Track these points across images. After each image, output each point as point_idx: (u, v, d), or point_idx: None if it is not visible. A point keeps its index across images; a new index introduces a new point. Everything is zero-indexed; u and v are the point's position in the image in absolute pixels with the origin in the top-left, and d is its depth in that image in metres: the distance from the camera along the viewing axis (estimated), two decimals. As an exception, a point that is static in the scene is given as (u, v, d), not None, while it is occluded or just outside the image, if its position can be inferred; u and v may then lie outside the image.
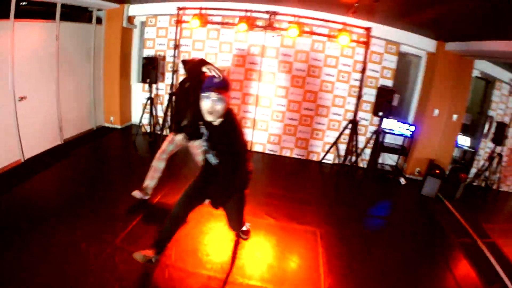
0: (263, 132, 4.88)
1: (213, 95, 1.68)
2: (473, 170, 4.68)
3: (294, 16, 4.10)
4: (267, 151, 4.94)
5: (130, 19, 5.06)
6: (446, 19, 3.39)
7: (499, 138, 4.29)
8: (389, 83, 4.49)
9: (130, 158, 4.46)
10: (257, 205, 3.16)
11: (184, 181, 2.23)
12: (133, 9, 4.90)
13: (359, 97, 4.40)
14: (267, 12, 4.22)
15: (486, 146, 4.58)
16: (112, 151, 4.63)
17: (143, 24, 5.22)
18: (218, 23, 4.53)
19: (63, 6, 3.95)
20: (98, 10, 4.71)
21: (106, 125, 5.28)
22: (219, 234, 2.71)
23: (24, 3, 3.86)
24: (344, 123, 4.59)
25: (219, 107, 1.69)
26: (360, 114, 4.58)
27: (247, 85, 4.73)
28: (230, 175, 1.84)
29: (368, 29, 4.17)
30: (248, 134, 4.82)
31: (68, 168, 3.74)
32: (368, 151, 4.62)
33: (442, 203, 4.03)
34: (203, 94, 1.69)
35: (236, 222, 2.28)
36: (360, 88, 4.37)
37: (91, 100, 4.91)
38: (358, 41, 4.27)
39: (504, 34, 3.30)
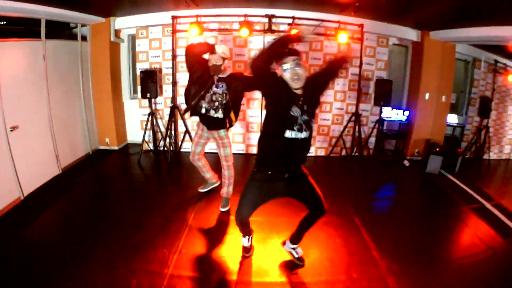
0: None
1: (290, 62, 1.65)
2: (463, 144, 5.20)
3: (292, 18, 4.22)
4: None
5: (117, 33, 4.87)
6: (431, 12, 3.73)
7: (484, 111, 4.78)
8: (383, 74, 4.81)
9: (138, 179, 4.20)
10: (285, 204, 2.83)
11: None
12: (119, 22, 4.72)
13: (358, 90, 4.66)
14: (266, 16, 4.30)
15: (473, 120, 5.08)
16: (117, 175, 4.33)
17: (131, 37, 5.05)
18: (215, 30, 4.52)
19: (47, 23, 3.63)
20: (83, 26, 4.45)
21: (102, 147, 5.04)
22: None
23: (3, 23, 3.58)
24: (346, 117, 4.86)
25: (301, 71, 1.66)
26: (360, 106, 4.85)
27: (250, 89, 4.79)
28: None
29: (361, 26, 4.41)
30: (256, 138, 4.89)
31: (74, 201, 3.40)
32: (371, 140, 4.93)
33: (445, 177, 4.46)
34: (282, 67, 1.67)
35: (319, 200, 2.05)
36: (359, 81, 4.63)
37: (84, 122, 4.62)
38: (352, 37, 4.50)
39: (484, 19, 3.70)
